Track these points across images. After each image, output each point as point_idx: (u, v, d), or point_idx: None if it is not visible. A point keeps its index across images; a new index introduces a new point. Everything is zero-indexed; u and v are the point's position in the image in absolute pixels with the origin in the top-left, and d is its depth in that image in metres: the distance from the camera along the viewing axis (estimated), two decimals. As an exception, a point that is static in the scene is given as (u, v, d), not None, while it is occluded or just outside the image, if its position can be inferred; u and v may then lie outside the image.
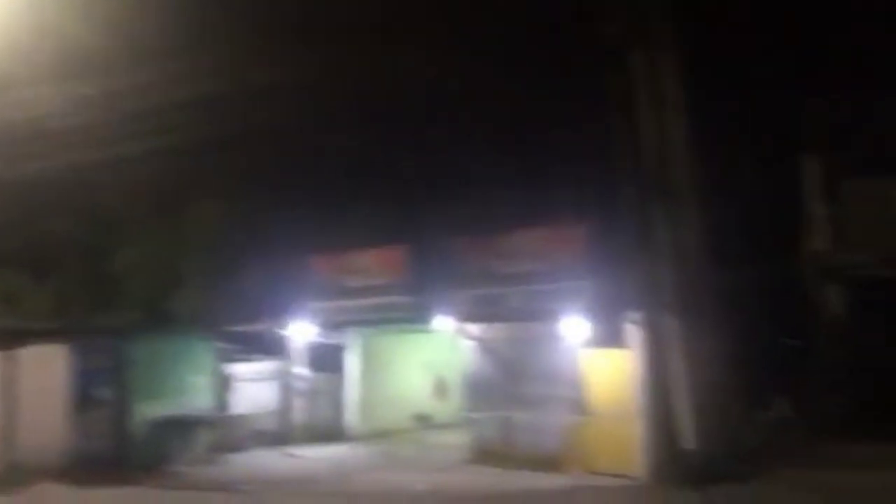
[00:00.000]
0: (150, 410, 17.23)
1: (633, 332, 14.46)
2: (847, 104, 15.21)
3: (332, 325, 19.42)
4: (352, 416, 20.89)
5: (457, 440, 17.69)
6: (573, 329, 15.60)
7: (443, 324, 17.50)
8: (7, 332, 16.93)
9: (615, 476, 14.31)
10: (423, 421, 21.78)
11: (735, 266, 14.95)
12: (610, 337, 15.14)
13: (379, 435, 20.58)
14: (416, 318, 17.88)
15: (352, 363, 21.15)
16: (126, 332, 17.50)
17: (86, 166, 17.60)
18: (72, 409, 17.07)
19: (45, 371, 17.17)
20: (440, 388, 22.17)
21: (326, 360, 20.85)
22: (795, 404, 15.20)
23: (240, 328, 19.58)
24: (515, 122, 18.07)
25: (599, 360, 15.40)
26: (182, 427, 17.54)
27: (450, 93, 16.99)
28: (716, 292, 13.89)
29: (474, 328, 16.96)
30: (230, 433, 18.84)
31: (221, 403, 18.92)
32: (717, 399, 13.46)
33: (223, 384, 19.10)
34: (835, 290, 15.44)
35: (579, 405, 15.42)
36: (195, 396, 18.18)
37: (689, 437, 13.20)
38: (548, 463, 15.32)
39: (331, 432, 20.52)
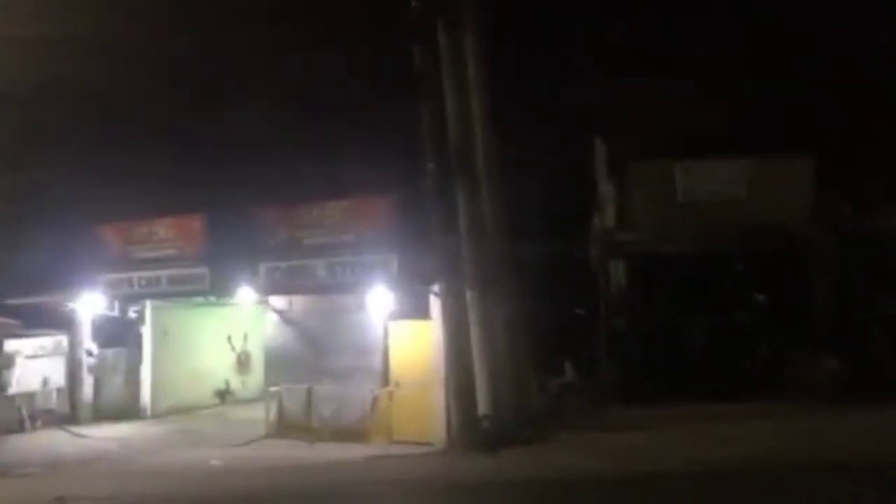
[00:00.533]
0: None
1: (436, 304, 14.83)
2: (633, 89, 16.27)
3: (124, 297, 18.41)
4: (148, 392, 19.97)
5: (260, 415, 17.40)
6: (378, 301, 15.77)
7: (245, 296, 17.10)
8: None
9: (417, 444, 14.67)
10: (225, 396, 21.26)
11: (532, 240, 15.66)
12: (414, 309, 15.47)
13: (178, 412, 19.86)
14: (215, 290, 17.36)
15: (150, 338, 20.12)
16: None
17: None
18: None
19: None
20: (242, 363, 21.71)
21: (122, 334, 19.80)
22: (582, 371, 16.18)
23: (22, 301, 18.19)
24: (326, 93, 17.87)
25: (403, 332, 15.70)
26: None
27: (260, 60, 16.54)
28: (512, 265, 14.50)
29: (277, 300, 16.71)
30: (10, 414, 17.62)
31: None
32: (510, 367, 14.11)
33: (2, 361, 17.69)
34: (618, 264, 16.53)
35: (383, 376, 15.66)
36: (-32, 375, 16.77)
37: (483, 404, 13.74)
38: (351, 434, 15.48)
39: (127, 410, 19.57)
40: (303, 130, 17.54)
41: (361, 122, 17.32)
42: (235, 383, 21.63)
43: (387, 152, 16.60)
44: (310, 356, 16.21)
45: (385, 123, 16.79)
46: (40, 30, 15.06)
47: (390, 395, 15.58)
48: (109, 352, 19.77)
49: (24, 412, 18.11)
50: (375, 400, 15.64)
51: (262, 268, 16.44)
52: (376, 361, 15.79)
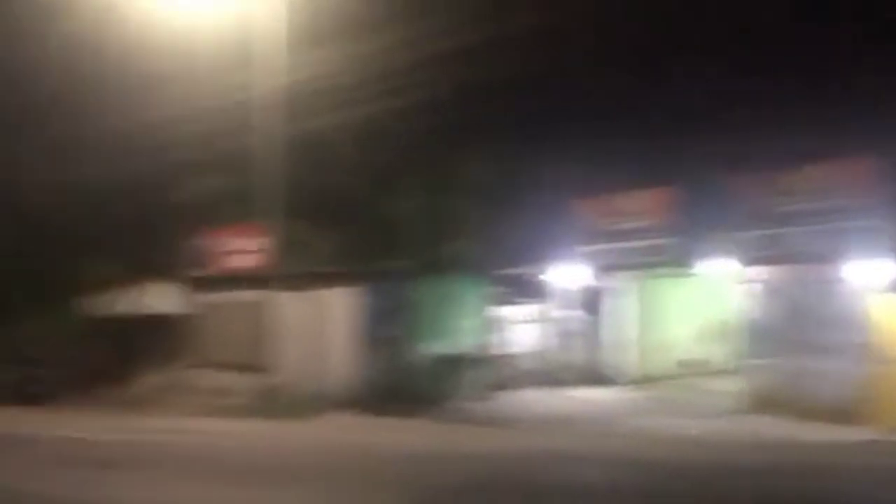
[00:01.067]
0: (428, 348, 18.36)
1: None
2: None
3: (598, 268, 19.34)
4: (619, 359, 20.86)
5: (729, 387, 17.05)
6: (865, 271, 14.38)
7: (714, 266, 16.83)
8: (301, 275, 18.51)
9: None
10: (692, 366, 21.18)
11: None
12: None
13: (646, 380, 20.36)
14: (685, 260, 17.35)
15: (621, 307, 21.01)
16: (406, 276, 18.57)
17: (360, 121, 18.76)
18: (363, 346, 18.52)
19: (338, 311, 18.75)
20: (709, 334, 21.42)
21: (595, 304, 21.02)
22: None
23: (508, 272, 20.11)
24: (796, 52, 16.74)
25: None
26: (457, 364, 18.48)
27: (731, 23, 16.06)
28: None
29: (754, 271, 16.12)
30: (500, 372, 19.54)
31: (490, 343, 19.67)
32: None
33: (492, 325, 19.84)
34: None
35: (874, 354, 14.24)
36: (467, 336, 19.08)
37: None
38: (836, 415, 14.29)
39: (598, 375, 20.64)
40: (772, 94, 16.63)
41: (843, 76, 15.86)
42: (702, 354, 21.48)
43: (872, 108, 14.97)
44: (790, 329, 15.38)
45: (868, 80, 15.16)
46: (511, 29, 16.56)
47: (884, 375, 14.09)
48: (583, 319, 21.01)
49: (510, 372, 20.03)
50: (866, 379, 14.27)
51: (737, 237, 15.98)
52: (864, 337, 14.41)
